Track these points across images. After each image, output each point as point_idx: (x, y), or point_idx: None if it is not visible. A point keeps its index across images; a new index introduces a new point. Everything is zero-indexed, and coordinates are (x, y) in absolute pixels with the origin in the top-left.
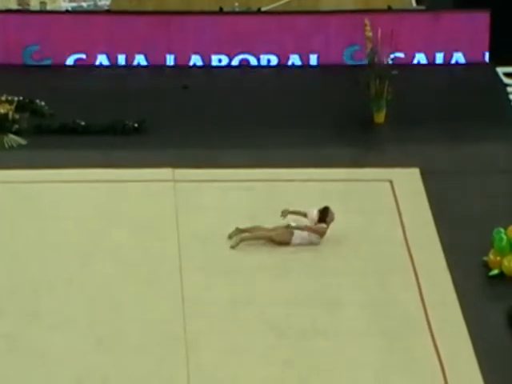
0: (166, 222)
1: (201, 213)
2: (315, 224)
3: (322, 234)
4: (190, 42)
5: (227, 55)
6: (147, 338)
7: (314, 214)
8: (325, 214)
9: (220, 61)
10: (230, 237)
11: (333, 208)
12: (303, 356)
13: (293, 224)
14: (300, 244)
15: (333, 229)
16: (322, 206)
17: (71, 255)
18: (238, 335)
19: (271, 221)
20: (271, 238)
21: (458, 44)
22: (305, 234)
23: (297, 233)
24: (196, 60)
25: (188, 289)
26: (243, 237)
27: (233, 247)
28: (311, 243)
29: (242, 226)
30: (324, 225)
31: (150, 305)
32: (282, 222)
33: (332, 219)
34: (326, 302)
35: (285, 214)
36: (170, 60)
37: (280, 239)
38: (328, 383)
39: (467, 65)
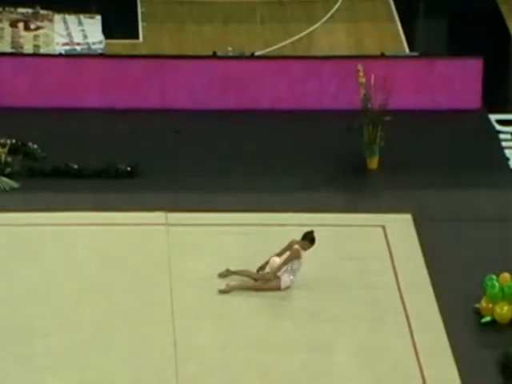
0: (158, 265)
1: (193, 257)
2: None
3: (297, 256)
4: (183, 86)
5: (220, 99)
6: (139, 382)
7: (276, 261)
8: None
9: (213, 104)
10: (220, 276)
11: (325, 253)
12: None
13: (277, 272)
14: (289, 287)
15: (325, 273)
16: (314, 250)
17: (63, 298)
18: (229, 380)
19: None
20: (259, 288)
21: (451, 90)
22: (290, 277)
23: (284, 278)
24: (189, 103)
25: (180, 333)
26: (233, 286)
27: (222, 292)
28: (296, 273)
29: (232, 269)
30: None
31: (141, 349)
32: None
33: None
34: (317, 347)
35: (227, 274)
36: (163, 103)
37: (269, 288)
38: None
39: (460, 111)
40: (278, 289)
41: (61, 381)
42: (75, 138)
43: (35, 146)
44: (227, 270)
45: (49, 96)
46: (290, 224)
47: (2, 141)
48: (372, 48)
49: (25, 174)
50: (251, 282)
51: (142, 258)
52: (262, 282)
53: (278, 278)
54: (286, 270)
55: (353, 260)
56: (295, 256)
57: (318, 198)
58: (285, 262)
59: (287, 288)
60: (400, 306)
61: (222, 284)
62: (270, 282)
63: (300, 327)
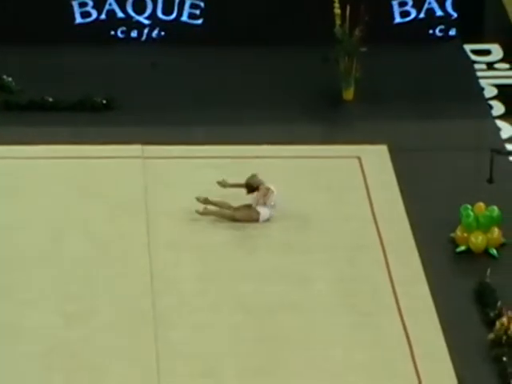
0: (134, 198)
1: (170, 189)
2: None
3: (265, 194)
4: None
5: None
6: (116, 314)
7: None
8: (252, 185)
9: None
10: (198, 199)
11: (301, 184)
12: (272, 332)
13: (254, 204)
14: (267, 220)
15: (301, 205)
16: (291, 182)
17: (40, 231)
18: (207, 311)
19: (240, 198)
20: (236, 218)
21: (426, 20)
22: (267, 210)
23: (263, 211)
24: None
25: (157, 265)
26: (212, 210)
27: (198, 213)
28: (274, 208)
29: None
30: (266, 187)
31: (119, 281)
32: (247, 198)
33: (259, 183)
34: (294, 278)
35: (224, 184)
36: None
37: (247, 219)
38: (297, 359)
39: (435, 41)
40: (256, 221)
41: (40, 313)
42: (50, 70)
43: (10, 79)
44: (206, 199)
45: (22, 28)
46: (266, 156)
47: None
48: None
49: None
50: (228, 212)
51: (118, 190)
52: (241, 211)
53: (257, 212)
54: (263, 204)
55: (329, 191)
56: (264, 193)
57: (293, 130)
58: (263, 196)
59: (265, 221)
60: (376, 237)
61: (198, 216)
62: (248, 213)
63: (277, 258)
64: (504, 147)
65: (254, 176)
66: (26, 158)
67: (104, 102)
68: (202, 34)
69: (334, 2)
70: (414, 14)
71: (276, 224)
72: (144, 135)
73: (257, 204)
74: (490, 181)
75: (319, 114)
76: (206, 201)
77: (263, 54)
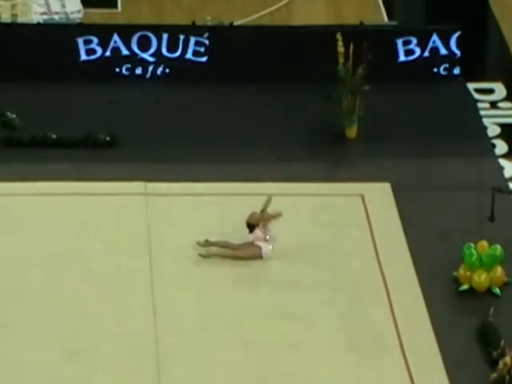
0: (137, 235)
1: (172, 226)
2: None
3: (267, 219)
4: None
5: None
6: (118, 352)
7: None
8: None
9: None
10: (198, 244)
11: (303, 222)
12: (274, 370)
13: (255, 240)
14: (270, 255)
15: (303, 243)
16: (293, 219)
17: (43, 267)
18: (210, 349)
19: (242, 235)
20: (239, 257)
21: (430, 59)
22: (269, 247)
23: (264, 246)
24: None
25: (159, 303)
26: (214, 252)
27: (201, 256)
28: (274, 241)
29: (211, 239)
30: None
31: (121, 319)
32: (248, 237)
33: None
34: (296, 316)
35: (206, 244)
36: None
37: (250, 257)
38: None
39: (439, 80)
40: (260, 257)
41: (40, 350)
42: (54, 107)
43: (13, 116)
44: (206, 241)
45: (27, 65)
46: (269, 194)
47: None
48: (350, 17)
49: (3, 144)
50: (230, 251)
51: (121, 227)
52: (243, 250)
53: (259, 247)
54: (264, 239)
55: (331, 229)
56: (266, 218)
57: (296, 168)
58: (264, 226)
59: (268, 257)
60: (378, 275)
61: (201, 251)
62: (250, 250)
63: (279, 296)
64: (507, 186)
65: (254, 213)
66: (29, 194)
67: (107, 138)
68: (207, 72)
69: (338, 39)
70: (418, 52)
71: (278, 261)
72: (147, 172)
73: (257, 239)
74: (492, 219)
75: (322, 152)
76: (206, 243)
77: (266, 92)
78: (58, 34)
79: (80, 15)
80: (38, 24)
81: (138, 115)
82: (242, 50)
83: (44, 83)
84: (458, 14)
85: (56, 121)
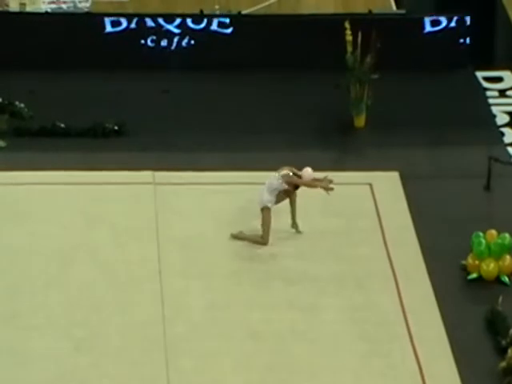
0: (145, 224)
1: (180, 216)
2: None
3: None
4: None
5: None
6: (126, 341)
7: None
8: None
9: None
10: (232, 236)
11: (312, 211)
12: (283, 360)
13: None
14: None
15: (312, 231)
16: (301, 208)
17: (51, 257)
18: (218, 339)
19: (251, 224)
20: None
21: (439, 47)
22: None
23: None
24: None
25: (167, 292)
26: (245, 236)
27: (233, 236)
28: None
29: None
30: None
31: (129, 308)
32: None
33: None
34: (304, 306)
35: (237, 236)
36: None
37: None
38: None
39: (447, 68)
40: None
41: (48, 339)
42: (62, 96)
43: (22, 105)
44: (240, 232)
45: (34, 54)
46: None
47: None
48: (359, 5)
49: (11, 133)
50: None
51: (129, 216)
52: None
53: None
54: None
55: (340, 218)
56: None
57: (305, 156)
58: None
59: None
60: (387, 264)
61: (209, 242)
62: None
63: (287, 286)
64: (503, 156)
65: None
66: (37, 183)
67: (115, 127)
68: (213, 60)
69: (346, 28)
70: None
71: (286, 251)
72: (155, 161)
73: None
74: (488, 187)
75: (331, 141)
76: (241, 234)
77: (274, 81)
78: (66, 23)
79: (88, 4)
80: (46, 13)
81: (146, 104)
82: (251, 38)
83: (52, 73)
84: (466, 2)
85: (64, 110)
